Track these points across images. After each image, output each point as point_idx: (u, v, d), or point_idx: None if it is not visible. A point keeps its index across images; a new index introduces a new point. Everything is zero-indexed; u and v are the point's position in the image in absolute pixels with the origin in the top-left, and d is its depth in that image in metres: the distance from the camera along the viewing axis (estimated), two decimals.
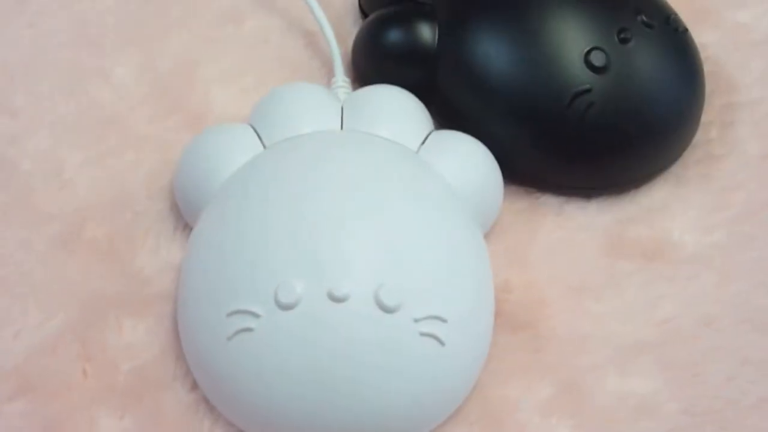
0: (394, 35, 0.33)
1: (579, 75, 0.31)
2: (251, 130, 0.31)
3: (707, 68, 0.35)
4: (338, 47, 0.34)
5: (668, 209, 0.33)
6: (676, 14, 0.33)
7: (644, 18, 0.32)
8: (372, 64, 0.34)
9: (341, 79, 0.34)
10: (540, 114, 0.31)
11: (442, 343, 0.27)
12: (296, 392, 0.27)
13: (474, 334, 0.28)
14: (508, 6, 0.32)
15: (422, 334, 0.27)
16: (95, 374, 0.29)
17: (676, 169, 0.33)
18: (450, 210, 0.29)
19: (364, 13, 0.36)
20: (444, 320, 0.27)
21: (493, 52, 0.32)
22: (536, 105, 0.31)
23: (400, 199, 0.29)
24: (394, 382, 0.27)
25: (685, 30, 0.33)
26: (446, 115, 0.33)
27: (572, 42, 0.31)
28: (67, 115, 0.34)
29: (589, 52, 0.31)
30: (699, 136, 0.34)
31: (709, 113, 0.34)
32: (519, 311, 0.31)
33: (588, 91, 0.31)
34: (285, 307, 0.27)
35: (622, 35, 0.31)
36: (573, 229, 0.32)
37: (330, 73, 0.34)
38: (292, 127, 0.31)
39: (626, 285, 0.31)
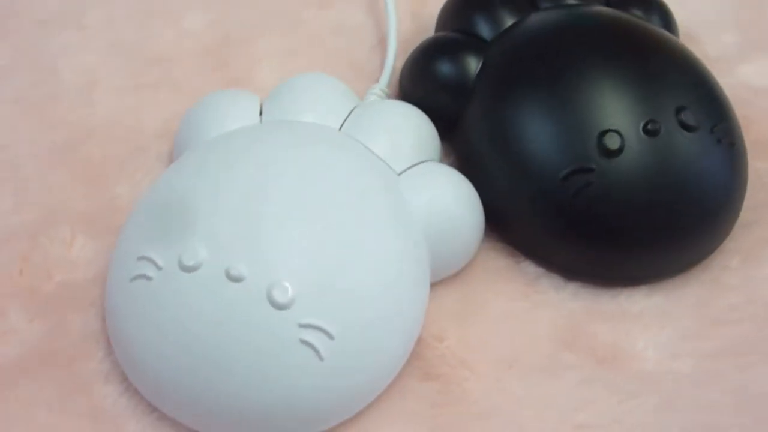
0: (438, 60, 0.33)
1: (586, 152, 0.29)
2: (257, 104, 0.31)
3: (759, 196, 0.32)
4: (395, 59, 0.34)
5: (645, 319, 0.30)
6: (729, 124, 0.31)
7: (684, 118, 0.30)
8: (411, 82, 0.33)
9: (380, 87, 0.34)
10: (536, 180, 0.30)
11: (320, 357, 0.26)
12: (168, 351, 0.27)
13: (363, 363, 0.27)
14: (550, 67, 0.31)
15: (302, 341, 0.26)
16: (28, 275, 0.31)
17: (674, 282, 0.31)
18: (393, 231, 0.29)
19: None
20: (330, 336, 0.27)
21: (517, 105, 0.31)
22: (536, 170, 0.30)
23: (341, 204, 0.28)
24: (261, 379, 0.26)
25: (732, 144, 0.31)
26: (461, 150, 0.32)
27: (593, 119, 0.30)
28: (125, 41, 0.36)
29: (605, 133, 0.29)
30: (718, 258, 0.31)
31: (739, 240, 0.32)
32: (439, 363, 0.29)
33: (589, 170, 0.29)
34: (184, 269, 0.27)
35: (649, 126, 0.29)
36: (536, 303, 0.31)
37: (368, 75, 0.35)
38: (291, 112, 0.31)
39: (560, 376, 0.29)
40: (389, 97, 0.34)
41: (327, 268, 0.27)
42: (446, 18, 0.34)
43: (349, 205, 0.28)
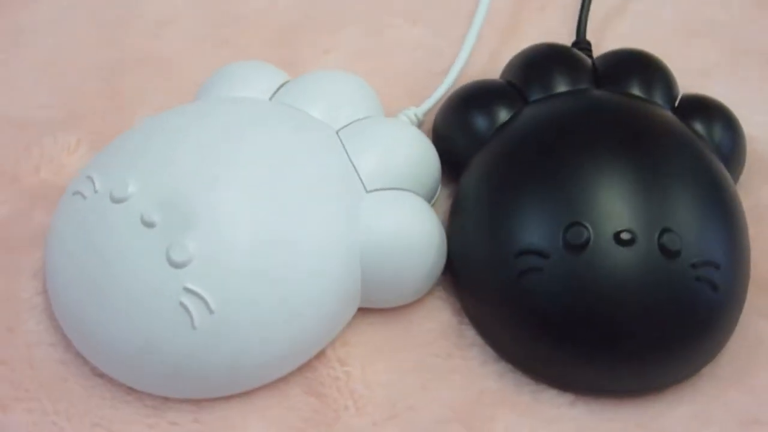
0: (472, 100, 0.32)
1: (548, 238, 0.28)
2: (279, 81, 0.32)
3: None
4: (446, 91, 0.34)
5: (557, 425, 0.28)
6: (722, 268, 0.28)
7: (666, 241, 0.27)
8: (443, 115, 0.33)
9: (414, 112, 0.33)
10: (494, 247, 0.29)
11: (193, 326, 0.27)
12: (70, 272, 0.28)
13: (237, 348, 0.27)
14: (547, 148, 0.30)
15: (181, 304, 0.27)
16: (20, 162, 0.33)
17: (600, 401, 0.29)
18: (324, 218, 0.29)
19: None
20: (210, 309, 0.27)
21: (506, 168, 0.30)
22: (498, 238, 0.29)
23: (280, 183, 0.29)
24: (133, 324, 0.27)
25: (715, 288, 0.28)
26: (456, 194, 0.31)
27: (569, 207, 0.28)
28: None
29: (573, 225, 0.28)
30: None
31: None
32: (329, 384, 0.29)
33: (544, 256, 0.28)
34: (112, 198, 0.28)
35: (622, 235, 0.27)
36: (455, 368, 0.29)
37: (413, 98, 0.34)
38: (300, 100, 0.31)
39: None
40: (420, 124, 0.33)
41: (234, 243, 0.27)
42: (509, 68, 0.33)
43: (287, 187, 0.28)
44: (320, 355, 0.29)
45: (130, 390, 0.28)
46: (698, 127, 0.31)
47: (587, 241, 0.27)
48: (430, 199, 0.31)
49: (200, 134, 0.29)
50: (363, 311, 0.30)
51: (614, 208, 0.28)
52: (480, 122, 0.31)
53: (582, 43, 0.35)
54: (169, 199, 0.28)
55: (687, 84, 0.33)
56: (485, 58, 0.36)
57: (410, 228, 0.29)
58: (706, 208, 0.29)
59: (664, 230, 0.28)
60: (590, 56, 0.34)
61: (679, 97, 0.32)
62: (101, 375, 0.29)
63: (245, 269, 0.27)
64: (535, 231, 0.28)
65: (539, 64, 0.32)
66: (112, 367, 0.28)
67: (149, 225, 0.27)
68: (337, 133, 0.31)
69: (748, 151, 0.33)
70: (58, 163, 0.33)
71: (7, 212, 0.32)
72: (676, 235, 0.28)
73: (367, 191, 0.30)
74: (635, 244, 0.27)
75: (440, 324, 0.30)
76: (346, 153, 0.30)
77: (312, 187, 0.29)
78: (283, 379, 0.29)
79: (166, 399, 0.28)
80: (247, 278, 0.27)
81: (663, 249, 0.27)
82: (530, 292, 0.28)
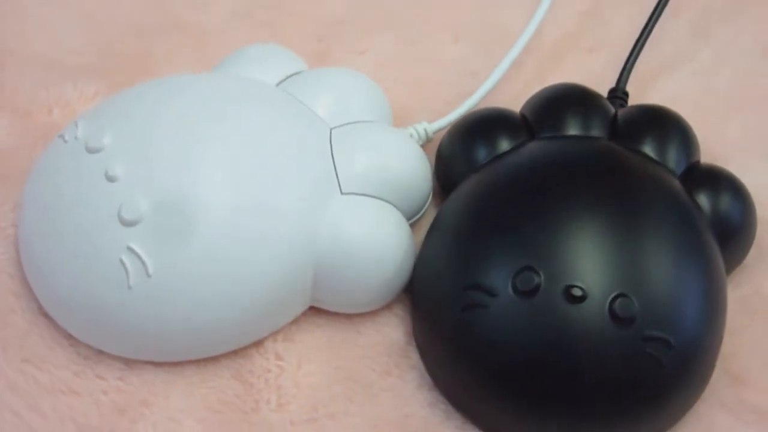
0: (476, 126, 0.31)
1: (499, 277, 0.27)
2: (293, 69, 0.32)
3: None
4: (463, 111, 0.33)
5: None
6: (678, 347, 0.26)
7: (617, 308, 0.26)
8: (448, 134, 0.32)
9: (425, 127, 0.33)
10: (448, 276, 0.28)
11: (148, 273, 0.27)
12: (35, 215, 0.29)
13: (169, 313, 0.27)
14: (526, 188, 0.29)
15: (128, 249, 0.27)
16: (38, 100, 0.34)
17: None
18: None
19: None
20: (146, 270, 0.27)
21: (477, 199, 0.29)
22: (453, 267, 0.28)
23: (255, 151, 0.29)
24: (75, 274, 0.28)
25: (660, 366, 0.26)
26: (435, 218, 0.31)
27: (527, 250, 0.27)
28: None
29: (526, 269, 0.27)
30: None
31: None
32: (259, 373, 0.29)
33: (492, 294, 0.27)
34: (87, 148, 0.29)
35: (572, 291, 0.26)
36: (388, 387, 0.29)
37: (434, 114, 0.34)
38: (304, 91, 0.31)
39: None
40: (429, 141, 0.33)
41: (187, 212, 0.27)
42: (529, 101, 0.32)
43: (255, 167, 0.28)
44: (259, 344, 0.29)
45: (70, 337, 0.29)
46: (702, 197, 0.29)
47: (536, 288, 0.26)
48: (411, 215, 0.31)
49: (186, 103, 0.29)
50: (316, 311, 0.30)
51: (572, 260, 0.27)
52: (479, 150, 0.31)
53: (618, 92, 0.34)
54: (137, 158, 0.28)
55: (719, 155, 0.32)
56: (518, 88, 0.35)
57: (373, 237, 0.29)
58: (675, 283, 0.27)
59: (620, 295, 0.26)
60: (623, 106, 0.33)
61: (692, 164, 0.30)
62: (47, 315, 0.29)
63: (193, 241, 0.27)
64: (487, 268, 0.27)
65: (556, 103, 0.31)
66: (54, 310, 0.29)
67: (111, 179, 0.28)
68: (330, 130, 0.30)
69: (762, 238, 0.31)
70: (72, 109, 0.34)
71: (11, 144, 0.33)
72: (632, 303, 0.26)
73: (342, 192, 0.29)
74: (585, 302, 0.26)
75: (388, 340, 0.30)
76: (331, 151, 0.30)
77: (281, 174, 0.29)
78: (216, 360, 0.29)
79: (101, 352, 0.29)
80: (192, 250, 0.27)
81: (613, 314, 0.26)
82: (470, 327, 0.27)
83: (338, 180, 0.29)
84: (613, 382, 0.26)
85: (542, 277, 0.27)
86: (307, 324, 0.30)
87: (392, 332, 0.30)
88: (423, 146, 0.33)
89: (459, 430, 0.28)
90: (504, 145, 0.30)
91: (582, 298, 0.26)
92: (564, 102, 0.31)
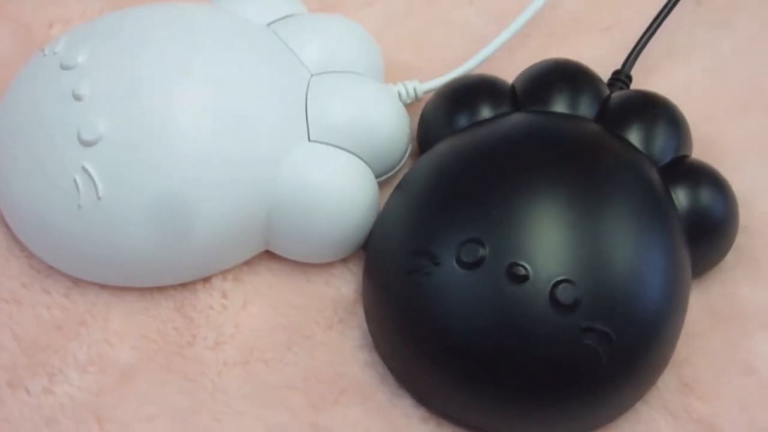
0: (459, 91, 0.31)
1: (443, 246, 0.26)
2: (287, 11, 0.32)
3: None
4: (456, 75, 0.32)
5: None
6: (618, 339, 0.25)
7: (559, 293, 0.25)
8: (434, 95, 0.31)
9: (414, 86, 0.32)
10: (401, 238, 0.28)
11: (98, 197, 0.27)
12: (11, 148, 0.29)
13: (117, 231, 0.28)
14: (489, 160, 0.28)
15: (83, 169, 0.27)
16: (40, 19, 0.34)
17: None
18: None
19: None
20: (97, 191, 0.27)
21: (438, 170, 0.29)
22: (408, 230, 0.28)
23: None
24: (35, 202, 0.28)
25: (597, 358, 0.25)
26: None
27: (476, 223, 0.26)
28: None
29: (472, 241, 0.26)
30: None
31: None
32: (201, 309, 0.29)
33: (434, 260, 0.26)
34: (62, 65, 0.29)
35: (514, 270, 0.25)
36: (323, 342, 0.29)
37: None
38: (293, 34, 0.31)
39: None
40: (413, 101, 0.32)
41: (145, 138, 0.27)
42: (522, 73, 0.31)
43: (222, 98, 0.28)
44: (207, 280, 0.29)
45: (26, 249, 0.29)
46: (680, 192, 0.28)
47: (479, 261, 0.26)
48: (383, 172, 0.30)
49: (167, 33, 0.29)
50: (271, 256, 0.30)
51: (521, 238, 0.26)
52: (460, 115, 0.30)
53: (621, 75, 0.32)
54: (105, 80, 0.28)
55: (717, 153, 0.31)
56: (521, 59, 0.34)
57: (332, 188, 0.28)
58: (627, 276, 0.26)
59: (565, 280, 0.25)
60: (623, 89, 0.32)
61: (678, 157, 0.29)
62: (8, 226, 0.29)
63: (147, 168, 0.27)
64: (436, 235, 0.27)
65: (545, 78, 0.30)
66: (11, 220, 0.29)
67: (77, 98, 0.28)
68: (311, 76, 0.30)
69: (745, 242, 0.30)
70: (71, 25, 0.34)
71: (4, 53, 0.33)
72: (576, 290, 0.25)
73: (309, 140, 0.29)
74: (527, 282, 0.25)
75: (337, 295, 0.29)
76: (306, 97, 0.29)
77: (247, 113, 0.28)
78: (162, 290, 0.29)
79: (53, 268, 0.29)
80: (145, 178, 0.27)
81: (554, 298, 0.25)
82: (411, 293, 0.27)
83: (308, 127, 0.29)
84: (545, 367, 0.26)
85: (488, 250, 0.26)
86: (260, 267, 0.30)
87: (343, 287, 0.29)
88: (411, 105, 0.32)
89: (391, 395, 0.28)
90: (485, 113, 0.30)
91: (524, 278, 0.25)
92: (554, 78, 0.30)
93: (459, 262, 0.26)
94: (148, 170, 0.27)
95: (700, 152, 0.31)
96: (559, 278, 0.25)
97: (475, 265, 0.26)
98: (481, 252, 0.26)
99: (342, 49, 0.31)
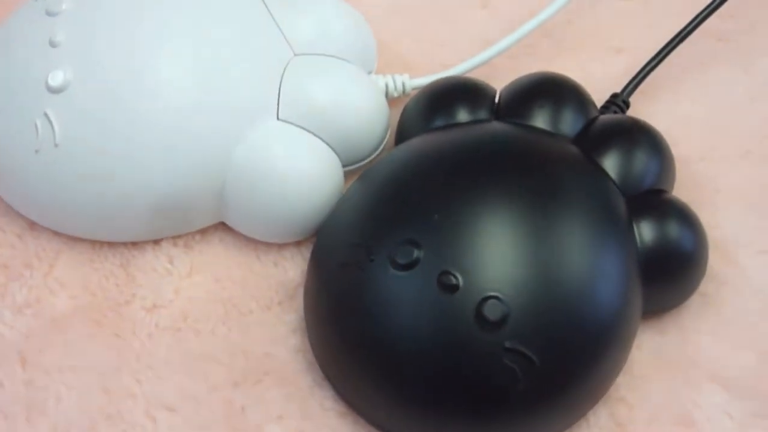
0: (437, 94, 0.30)
1: (380, 243, 0.26)
2: None
3: None
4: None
5: None
6: (533, 363, 0.25)
7: (487, 311, 0.25)
8: (413, 100, 0.31)
9: (404, 81, 0.32)
10: (343, 228, 0.27)
11: (54, 144, 0.27)
12: None
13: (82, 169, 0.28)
14: (445, 165, 0.27)
15: (46, 113, 0.27)
16: None
17: None
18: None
19: None
20: (54, 135, 0.27)
21: (395, 166, 0.28)
22: (351, 222, 0.28)
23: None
24: None
25: (515, 380, 0.25)
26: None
27: (413, 224, 0.26)
28: None
29: (408, 242, 0.26)
30: None
31: None
32: (146, 270, 0.29)
33: (370, 256, 0.26)
34: (48, 11, 0.29)
35: (445, 277, 0.25)
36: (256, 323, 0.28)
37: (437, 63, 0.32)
38: (285, 11, 0.30)
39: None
40: (400, 94, 0.32)
41: (108, 87, 0.27)
42: (512, 82, 0.31)
43: (195, 61, 0.28)
44: (157, 243, 0.29)
45: None
46: (645, 226, 0.27)
47: (412, 264, 0.25)
48: (353, 161, 0.30)
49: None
50: (227, 229, 0.30)
51: (459, 247, 0.25)
52: (437, 116, 0.29)
53: (618, 99, 0.31)
54: (82, 29, 0.28)
55: (700, 196, 0.30)
56: (525, 66, 0.33)
57: (291, 170, 0.28)
58: (562, 300, 0.25)
59: (494, 297, 0.25)
60: (616, 113, 0.31)
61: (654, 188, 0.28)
62: None
63: (106, 122, 0.27)
64: (376, 231, 0.26)
65: (529, 91, 0.29)
66: None
67: (53, 45, 0.28)
68: (293, 56, 0.30)
69: (715, 291, 0.29)
70: None
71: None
72: (504, 307, 0.25)
73: (278, 118, 0.29)
74: (456, 293, 0.25)
75: (282, 277, 0.29)
76: (282, 74, 0.29)
77: (216, 83, 0.28)
78: (113, 246, 0.29)
79: (11, 208, 0.29)
80: (103, 131, 0.27)
81: (479, 313, 0.25)
82: (343, 285, 0.26)
83: (278, 105, 0.29)
84: (461, 382, 0.25)
85: (422, 254, 0.25)
86: (213, 237, 0.30)
87: (291, 270, 0.29)
88: (398, 99, 0.32)
89: (313, 384, 0.27)
90: (462, 117, 0.29)
91: (454, 288, 0.25)
92: (538, 92, 0.29)
93: (392, 261, 0.25)
94: (106, 124, 0.27)
95: (686, 191, 0.30)
96: (489, 293, 0.25)
97: (408, 267, 0.25)
98: (416, 254, 0.25)
99: (333, 33, 0.31)
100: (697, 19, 0.32)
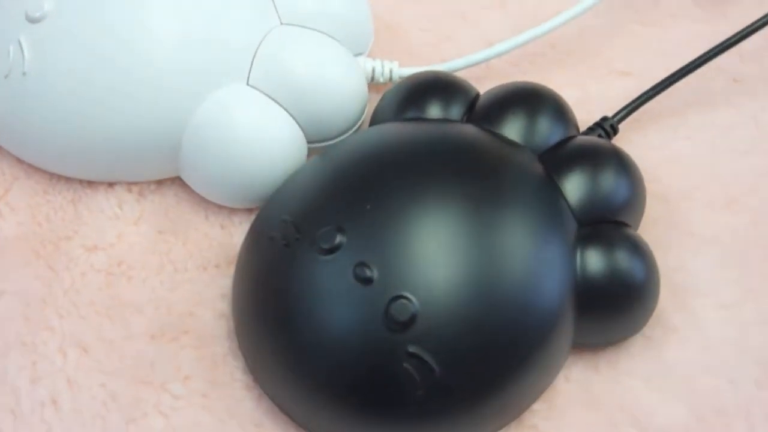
0: (413, 87, 0.29)
1: (310, 224, 0.26)
2: None
3: None
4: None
5: None
6: (433, 373, 0.24)
7: (394, 309, 0.24)
8: (392, 89, 0.30)
9: (395, 69, 0.31)
10: (272, 210, 0.28)
11: (24, 73, 0.28)
12: None
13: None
14: (388, 157, 0.27)
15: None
16: None
17: None
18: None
19: None
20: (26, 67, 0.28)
21: (345, 150, 0.28)
22: (285, 200, 0.27)
23: None
24: None
25: (415, 387, 0.24)
26: None
27: (345, 208, 0.26)
28: None
29: (337, 228, 0.25)
30: None
31: None
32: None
33: (297, 234, 0.26)
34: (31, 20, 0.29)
35: (360, 269, 0.25)
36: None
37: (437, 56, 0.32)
38: None
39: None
40: (387, 81, 0.31)
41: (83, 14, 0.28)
42: (498, 87, 0.30)
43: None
44: (111, 186, 0.30)
45: None
46: (592, 253, 0.26)
47: (333, 249, 0.25)
48: (321, 139, 0.30)
49: None
50: (184, 185, 0.30)
51: (379, 241, 0.25)
52: (410, 108, 0.29)
53: (606, 123, 0.30)
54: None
55: (674, 240, 0.29)
56: (523, 73, 0.33)
57: (249, 134, 0.28)
58: (478, 313, 0.24)
59: (404, 296, 0.24)
60: (601, 137, 0.30)
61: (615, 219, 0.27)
62: None
63: (75, 58, 0.28)
64: (309, 210, 0.26)
65: (503, 98, 0.29)
66: None
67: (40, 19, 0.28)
68: (279, 24, 0.29)
69: (662, 337, 0.27)
70: None
71: None
72: (413, 308, 0.24)
73: (247, 83, 0.29)
74: (369, 286, 0.24)
75: (226, 240, 0.29)
76: (260, 41, 0.29)
77: (193, 33, 0.28)
78: (69, 181, 0.30)
79: None
80: (72, 68, 0.28)
81: (388, 310, 0.24)
82: (264, 257, 0.26)
83: (250, 71, 0.29)
84: (360, 378, 0.24)
85: (344, 241, 0.25)
86: (168, 190, 0.30)
87: (236, 236, 0.29)
88: (383, 85, 0.31)
89: (228, 352, 0.27)
90: (434, 113, 0.29)
91: (368, 281, 0.24)
92: (512, 101, 0.28)
93: (315, 244, 0.25)
94: (76, 61, 0.28)
95: (658, 229, 0.29)
96: (400, 293, 0.24)
97: (329, 251, 0.25)
98: (339, 240, 0.25)
99: (328, 9, 0.30)
100: (707, 55, 0.31)
